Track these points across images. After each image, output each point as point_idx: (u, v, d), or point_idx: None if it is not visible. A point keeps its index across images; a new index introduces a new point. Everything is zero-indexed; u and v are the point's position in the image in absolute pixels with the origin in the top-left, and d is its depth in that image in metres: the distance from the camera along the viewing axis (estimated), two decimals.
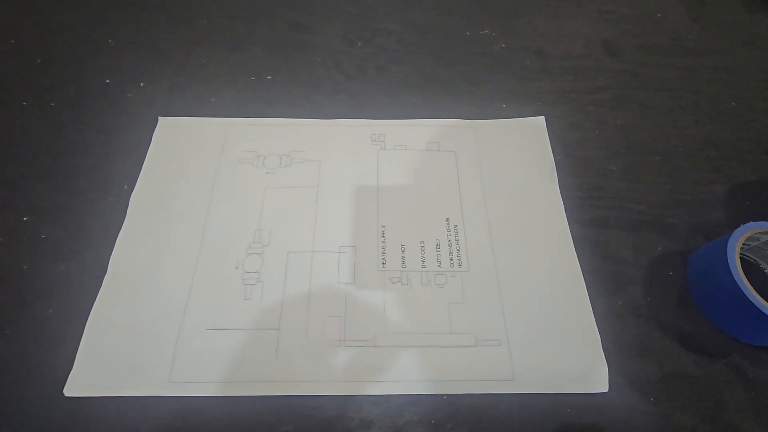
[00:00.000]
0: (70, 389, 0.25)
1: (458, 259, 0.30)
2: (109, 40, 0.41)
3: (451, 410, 0.25)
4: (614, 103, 0.39)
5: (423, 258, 0.30)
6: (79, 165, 0.34)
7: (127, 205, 0.32)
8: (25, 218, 0.31)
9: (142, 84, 0.38)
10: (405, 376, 0.26)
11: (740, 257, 0.30)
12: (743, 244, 0.29)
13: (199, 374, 0.26)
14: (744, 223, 0.28)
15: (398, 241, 0.31)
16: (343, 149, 0.35)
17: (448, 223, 0.32)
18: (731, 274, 0.26)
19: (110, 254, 0.30)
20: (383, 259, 0.30)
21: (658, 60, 0.42)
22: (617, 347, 0.28)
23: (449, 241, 0.31)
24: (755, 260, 0.30)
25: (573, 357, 0.27)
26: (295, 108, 0.37)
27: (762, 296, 0.26)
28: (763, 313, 0.25)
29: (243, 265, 0.29)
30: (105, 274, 0.29)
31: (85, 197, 0.32)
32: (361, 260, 0.30)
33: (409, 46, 0.42)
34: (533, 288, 0.29)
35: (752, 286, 0.26)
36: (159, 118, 0.36)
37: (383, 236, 0.31)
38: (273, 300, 0.28)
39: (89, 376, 0.25)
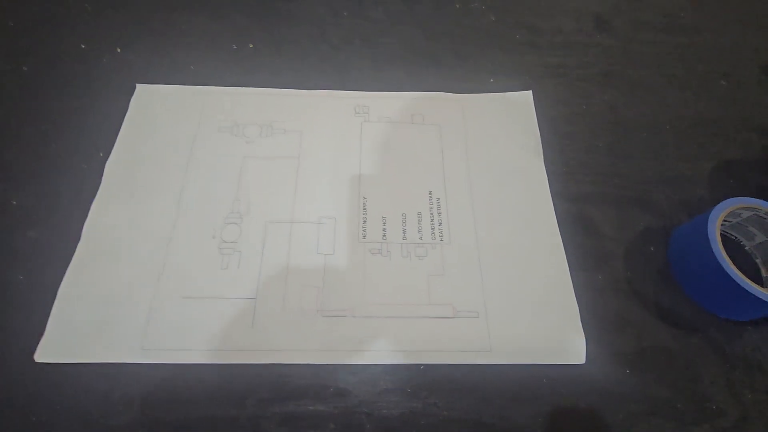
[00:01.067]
0: (41, 355, 0.25)
1: (440, 232, 0.30)
2: (86, 4, 0.39)
3: (428, 379, 0.25)
4: (603, 79, 0.38)
5: (404, 230, 0.30)
6: (53, 131, 0.33)
7: (102, 173, 0.31)
8: None
9: (119, 50, 0.37)
10: (382, 346, 0.26)
11: (722, 234, 0.30)
12: (725, 221, 0.29)
13: (172, 342, 0.25)
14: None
15: (379, 212, 0.30)
16: (326, 120, 0.34)
17: (430, 196, 0.31)
18: (711, 249, 0.26)
19: (84, 221, 0.29)
20: (364, 230, 0.30)
21: (650, 37, 0.41)
22: (596, 320, 0.28)
23: (431, 213, 0.30)
24: (736, 237, 0.30)
25: (551, 329, 0.27)
26: (277, 78, 0.36)
27: (742, 273, 0.26)
28: (742, 288, 0.25)
29: (220, 234, 0.29)
30: (78, 242, 0.28)
31: (59, 164, 0.31)
32: (341, 231, 0.29)
33: (397, 18, 0.41)
34: (514, 261, 0.29)
35: (732, 263, 0.26)
36: (137, 85, 0.35)
37: (364, 208, 0.30)
38: (250, 270, 0.28)
39: (60, 342, 0.25)
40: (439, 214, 0.30)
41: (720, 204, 0.27)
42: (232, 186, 0.31)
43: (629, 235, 0.31)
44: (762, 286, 0.28)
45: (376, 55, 0.38)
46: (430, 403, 0.25)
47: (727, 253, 0.26)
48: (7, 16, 0.38)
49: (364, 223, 0.30)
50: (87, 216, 0.29)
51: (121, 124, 0.33)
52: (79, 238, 0.28)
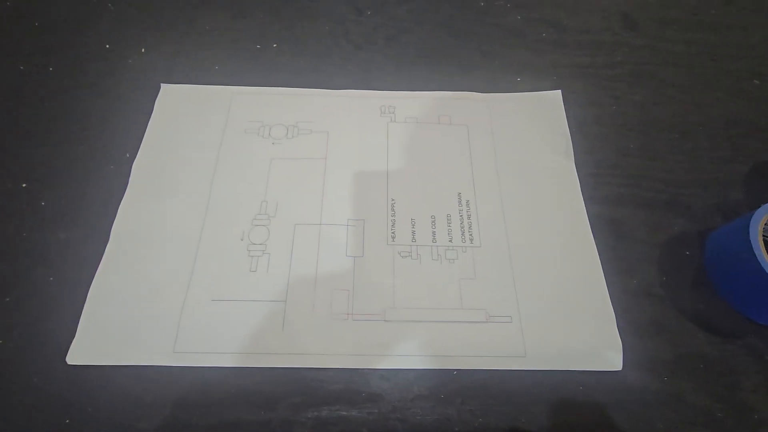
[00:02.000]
0: (73, 357, 0.25)
1: (470, 235, 0.29)
2: (109, 4, 0.39)
3: (462, 385, 0.25)
4: (632, 78, 0.37)
5: (434, 233, 0.29)
6: (79, 131, 0.33)
7: (129, 173, 0.31)
8: (24, 185, 0.30)
9: (143, 50, 0.37)
10: (415, 351, 0.25)
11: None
12: (764, 224, 0.28)
13: (203, 345, 0.25)
14: (764, 203, 0.27)
15: (408, 214, 0.30)
16: (352, 121, 0.34)
17: (459, 198, 0.31)
18: (753, 253, 0.25)
19: (112, 223, 0.29)
20: (393, 232, 0.29)
21: (679, 35, 0.40)
22: (631, 326, 0.27)
23: (461, 216, 0.30)
24: None
25: (586, 335, 0.26)
26: (301, 78, 0.36)
27: None
28: None
29: (249, 236, 0.29)
30: (107, 243, 0.28)
31: (86, 164, 0.31)
32: (370, 234, 0.29)
33: (420, 16, 0.40)
34: (547, 265, 0.28)
35: None
36: (161, 85, 0.35)
37: (393, 210, 0.30)
38: (279, 272, 0.28)
39: (92, 345, 0.25)
40: (469, 217, 0.30)
41: (762, 207, 0.26)
42: (259, 187, 0.30)
43: (663, 239, 0.30)
44: None
45: (400, 54, 0.38)
46: (464, 409, 0.24)
47: None
48: (31, 17, 0.38)
49: (393, 225, 0.30)
50: (115, 217, 0.29)
51: (146, 124, 0.33)
52: (108, 239, 0.28)
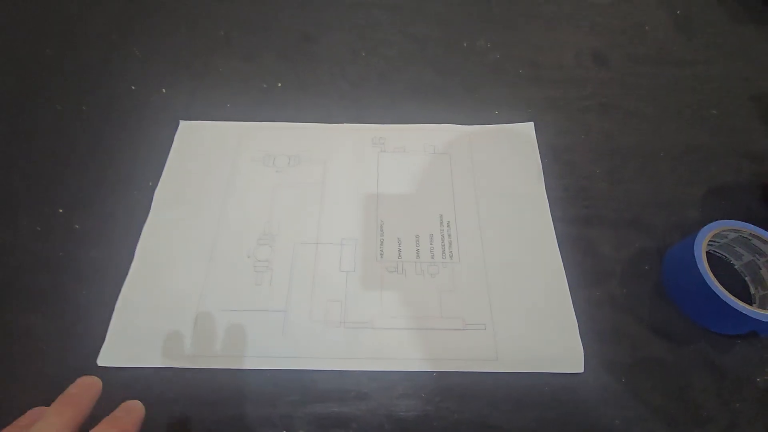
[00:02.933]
0: (103, 360, 0.28)
1: (450, 252, 0.33)
2: (135, 50, 0.45)
3: (440, 386, 0.28)
4: (601, 109, 0.41)
5: (418, 250, 0.33)
6: (109, 163, 0.37)
7: (152, 199, 0.35)
8: (60, 210, 0.35)
9: (164, 90, 0.42)
10: (399, 355, 0.29)
11: (711, 253, 0.33)
12: (713, 241, 0.32)
13: (214, 349, 0.29)
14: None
15: (395, 234, 0.34)
16: (347, 151, 0.38)
17: (441, 219, 0.34)
18: (698, 267, 0.29)
19: (136, 243, 0.33)
20: (381, 250, 0.33)
21: (645, 70, 0.44)
22: (594, 333, 0.30)
23: (442, 235, 0.34)
24: (725, 256, 0.33)
25: (552, 340, 0.29)
26: (303, 113, 0.41)
27: (730, 290, 0.28)
28: (726, 303, 0.28)
29: (254, 254, 0.33)
30: (132, 260, 0.32)
31: (114, 192, 0.36)
32: (361, 251, 0.33)
33: (410, 57, 0.45)
34: (518, 278, 0.32)
35: (722, 280, 0.28)
36: (180, 121, 0.39)
37: (382, 230, 0.34)
38: (281, 285, 0.31)
39: (119, 349, 0.29)
40: (449, 236, 0.34)
41: (705, 227, 0.30)
42: (264, 211, 0.35)
43: (625, 255, 0.34)
44: (751, 303, 0.31)
45: (391, 90, 0.42)
46: (442, 407, 0.28)
47: (718, 272, 0.29)
48: (68, 63, 0.43)
49: (382, 243, 0.33)
50: (139, 238, 0.33)
51: (167, 156, 0.37)
52: (133, 257, 0.32)
